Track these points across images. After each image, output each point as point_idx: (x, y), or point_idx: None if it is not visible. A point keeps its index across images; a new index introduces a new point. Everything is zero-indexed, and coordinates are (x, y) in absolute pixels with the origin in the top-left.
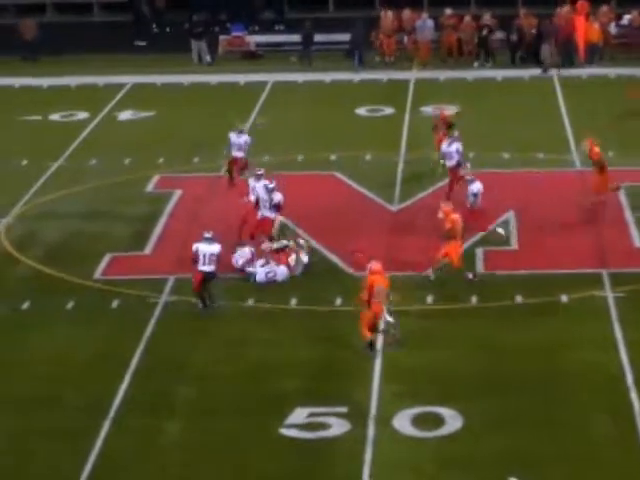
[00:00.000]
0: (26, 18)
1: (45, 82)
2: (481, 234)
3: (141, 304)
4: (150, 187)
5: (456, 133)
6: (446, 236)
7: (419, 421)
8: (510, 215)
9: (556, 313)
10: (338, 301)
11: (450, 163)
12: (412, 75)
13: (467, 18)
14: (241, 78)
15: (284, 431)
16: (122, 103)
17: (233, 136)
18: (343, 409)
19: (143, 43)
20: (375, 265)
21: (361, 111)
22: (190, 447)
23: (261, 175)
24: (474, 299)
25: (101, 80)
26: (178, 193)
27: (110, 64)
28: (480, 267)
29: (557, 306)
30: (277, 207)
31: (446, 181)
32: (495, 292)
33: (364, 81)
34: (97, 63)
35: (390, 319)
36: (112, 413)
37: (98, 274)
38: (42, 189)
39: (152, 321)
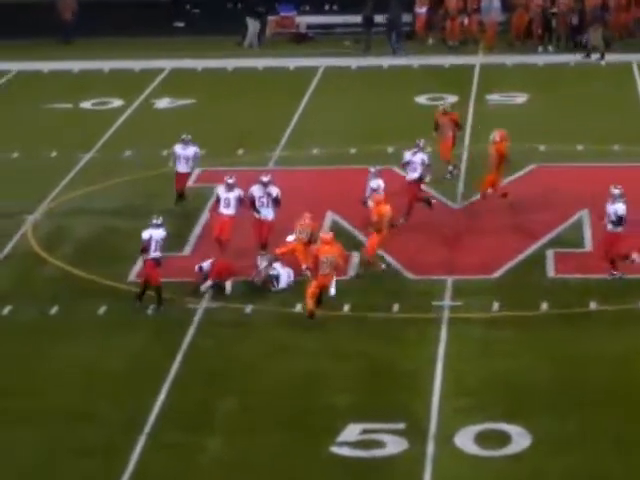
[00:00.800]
0: None
1: (76, 66)
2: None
3: (179, 310)
4: (190, 181)
5: (422, 142)
6: (373, 228)
7: (483, 439)
8: (584, 213)
9: (634, 321)
10: (395, 307)
11: (411, 176)
12: (477, 60)
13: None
14: (290, 63)
15: (335, 449)
16: (159, 90)
17: (178, 148)
18: (400, 425)
19: (182, 24)
20: (325, 235)
21: (421, 99)
22: (231, 466)
23: (232, 184)
24: (544, 306)
25: (137, 64)
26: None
27: (146, 47)
28: (551, 270)
29: (635, 313)
30: (276, 202)
31: (511, 177)
32: (567, 298)
33: (424, 66)
34: (132, 46)
35: (332, 291)
36: (148, 428)
37: (132, 276)
38: (72, 183)
39: (191, 328)
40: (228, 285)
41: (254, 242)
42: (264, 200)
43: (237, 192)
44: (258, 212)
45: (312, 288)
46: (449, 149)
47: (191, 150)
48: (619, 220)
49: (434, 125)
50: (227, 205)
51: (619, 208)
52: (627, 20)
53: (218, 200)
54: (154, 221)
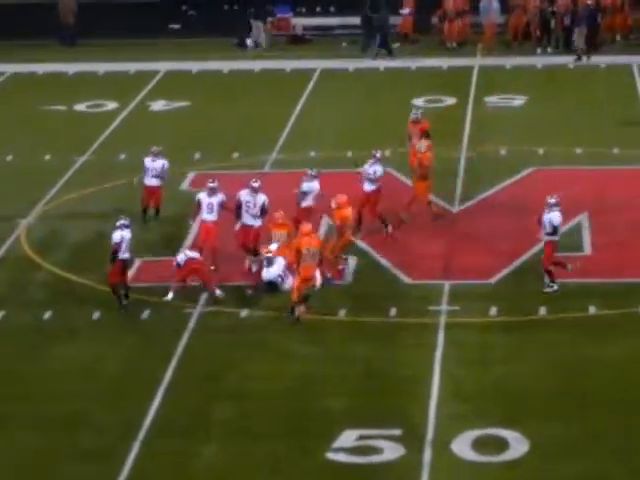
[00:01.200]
0: None
1: (70, 68)
2: None
3: (174, 314)
4: (185, 185)
5: (379, 153)
6: (337, 231)
7: (480, 445)
8: (583, 217)
9: (633, 325)
10: (392, 312)
11: (368, 188)
12: (476, 62)
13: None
14: (286, 65)
15: (331, 455)
16: (155, 92)
17: (147, 160)
18: (397, 431)
19: (178, 26)
20: (305, 226)
21: (419, 102)
22: (227, 472)
23: (215, 188)
24: (543, 310)
25: (132, 66)
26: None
27: (142, 49)
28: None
29: (634, 318)
30: (263, 210)
31: (510, 180)
32: (566, 302)
33: (422, 69)
34: (127, 48)
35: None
36: (142, 434)
37: (128, 281)
38: (66, 186)
39: (186, 333)
40: (218, 291)
41: (238, 248)
42: (251, 205)
43: (220, 197)
44: (241, 218)
45: (297, 282)
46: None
47: (160, 163)
48: (554, 230)
49: (407, 135)
50: (210, 211)
51: (554, 217)
52: (621, 22)
53: (199, 205)
54: (122, 222)
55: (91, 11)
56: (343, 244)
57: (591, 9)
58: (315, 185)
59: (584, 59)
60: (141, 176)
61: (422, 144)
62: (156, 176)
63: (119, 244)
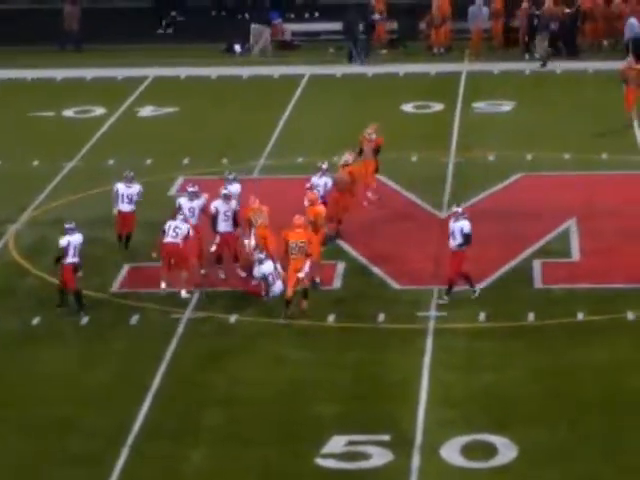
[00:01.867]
0: (69, 4)
1: (58, 74)
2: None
3: (162, 320)
4: (173, 191)
5: (325, 165)
6: (312, 227)
7: (469, 451)
8: (571, 223)
9: (622, 331)
10: (381, 317)
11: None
12: (464, 67)
13: (525, 4)
14: (275, 71)
15: (320, 461)
16: (143, 98)
17: (121, 186)
18: (385, 437)
19: (166, 32)
20: (296, 219)
21: (407, 107)
22: (215, 477)
23: (195, 193)
24: (531, 316)
25: (120, 72)
26: (204, 198)
27: (130, 54)
28: (538, 281)
29: (622, 323)
30: (236, 215)
31: (498, 186)
32: (554, 308)
33: (410, 74)
34: (116, 53)
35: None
36: (131, 439)
37: (115, 287)
38: (54, 192)
39: (174, 339)
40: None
41: (220, 256)
42: (229, 214)
43: (201, 200)
44: (217, 228)
45: (289, 273)
46: (371, 175)
47: (135, 188)
48: (466, 238)
49: (358, 149)
50: (192, 214)
51: (464, 225)
52: (600, 29)
53: (180, 209)
54: (68, 226)
55: (81, 16)
56: (322, 239)
57: (568, 14)
58: (238, 187)
59: (548, 64)
60: (114, 203)
61: (348, 157)
62: (130, 202)
63: (66, 248)
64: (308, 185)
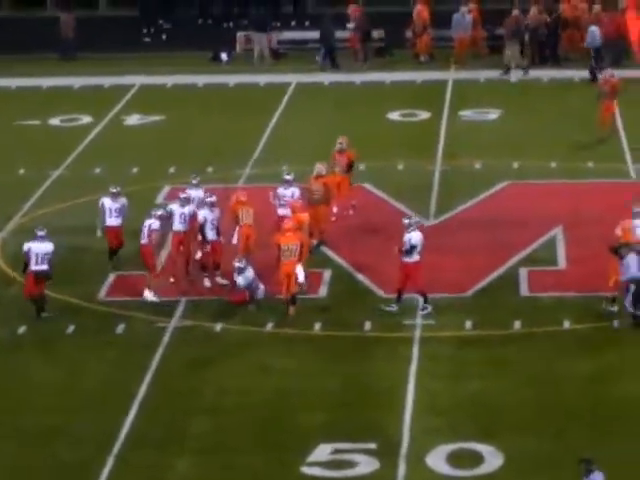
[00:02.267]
0: (65, 13)
1: (44, 82)
2: None
3: (149, 329)
4: (160, 199)
5: (290, 176)
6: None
7: (455, 459)
8: (558, 231)
9: (607, 340)
10: (367, 325)
11: (282, 211)
12: (450, 75)
13: (515, 12)
14: (261, 79)
15: (306, 469)
16: (129, 106)
17: (107, 201)
18: (371, 445)
19: (152, 39)
20: (286, 223)
21: (393, 115)
22: None
23: (187, 200)
24: (517, 324)
25: (106, 80)
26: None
27: (116, 62)
28: (524, 289)
29: (608, 332)
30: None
31: (484, 194)
32: (541, 317)
33: (396, 82)
34: (102, 62)
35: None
36: (117, 448)
37: (102, 295)
38: (40, 201)
39: (160, 348)
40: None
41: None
42: (216, 223)
43: (192, 207)
44: (206, 236)
45: (280, 277)
46: (347, 190)
47: (121, 202)
48: (411, 249)
49: (331, 162)
50: (183, 221)
51: (413, 237)
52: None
53: (172, 216)
54: (38, 233)
55: None
56: (305, 247)
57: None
58: (201, 192)
59: (518, 74)
60: (99, 218)
61: (320, 168)
62: (117, 216)
63: (28, 255)
64: (272, 195)
